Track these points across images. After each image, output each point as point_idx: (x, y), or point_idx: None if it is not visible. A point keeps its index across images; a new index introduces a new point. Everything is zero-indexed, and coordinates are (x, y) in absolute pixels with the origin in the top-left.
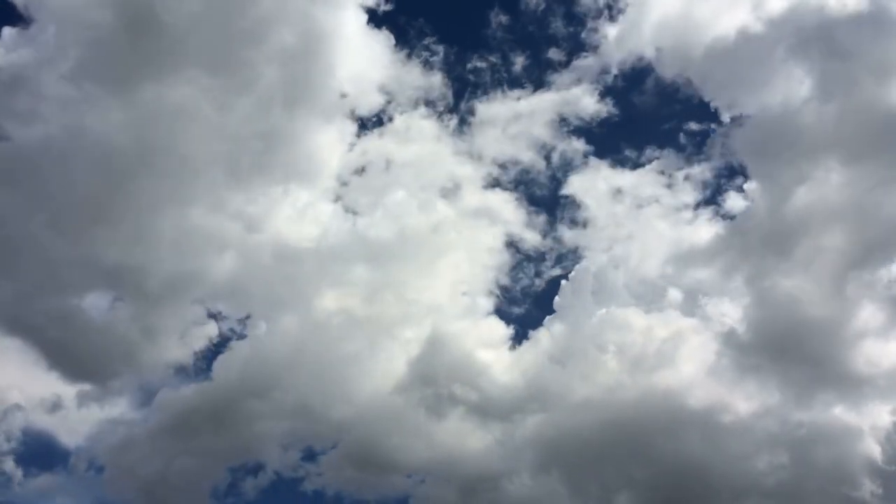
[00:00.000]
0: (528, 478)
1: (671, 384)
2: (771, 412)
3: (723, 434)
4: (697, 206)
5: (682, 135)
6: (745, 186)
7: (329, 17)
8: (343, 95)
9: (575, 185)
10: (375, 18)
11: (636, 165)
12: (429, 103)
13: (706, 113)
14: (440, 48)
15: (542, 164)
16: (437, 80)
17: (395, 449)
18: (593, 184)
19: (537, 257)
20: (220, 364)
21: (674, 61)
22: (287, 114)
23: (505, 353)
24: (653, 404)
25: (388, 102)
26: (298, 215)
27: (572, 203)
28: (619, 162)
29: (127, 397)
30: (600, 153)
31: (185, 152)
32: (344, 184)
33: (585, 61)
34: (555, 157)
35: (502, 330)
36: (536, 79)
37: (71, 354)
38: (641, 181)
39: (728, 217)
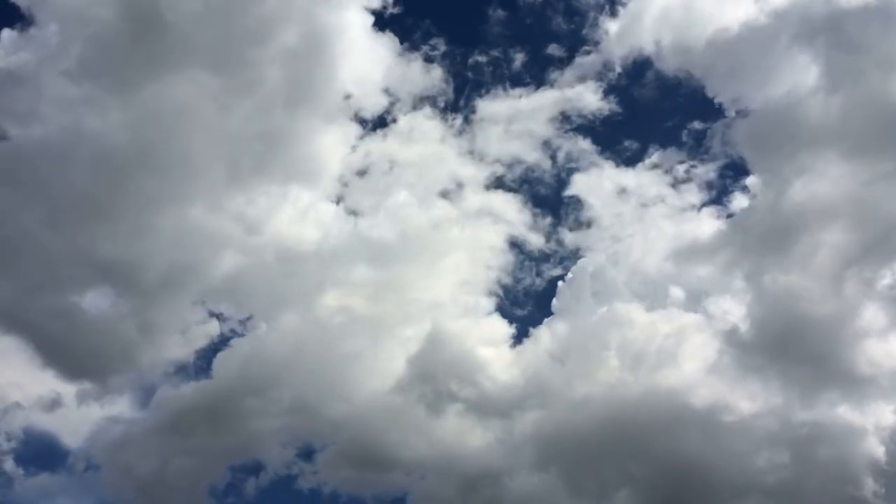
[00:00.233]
0: (528, 475)
1: (672, 382)
2: (772, 411)
3: (724, 432)
4: (700, 202)
5: (685, 131)
6: (748, 182)
7: (332, 17)
8: (346, 96)
9: (577, 184)
10: (379, 19)
11: (639, 163)
12: (431, 103)
13: (709, 108)
14: (443, 48)
15: (544, 163)
16: (439, 80)
17: (396, 446)
18: (596, 182)
19: (539, 256)
20: (219, 363)
21: (676, 55)
22: (290, 114)
23: (506, 351)
24: (654, 402)
25: (391, 102)
26: (300, 216)
27: (575, 201)
28: (622, 159)
29: (126, 396)
30: (603, 151)
31: (187, 152)
32: (346, 184)
33: (587, 58)
34: (558, 156)
35: (504, 328)
36: (538, 76)
37: (70, 353)
38: (644, 178)
39: (731, 214)
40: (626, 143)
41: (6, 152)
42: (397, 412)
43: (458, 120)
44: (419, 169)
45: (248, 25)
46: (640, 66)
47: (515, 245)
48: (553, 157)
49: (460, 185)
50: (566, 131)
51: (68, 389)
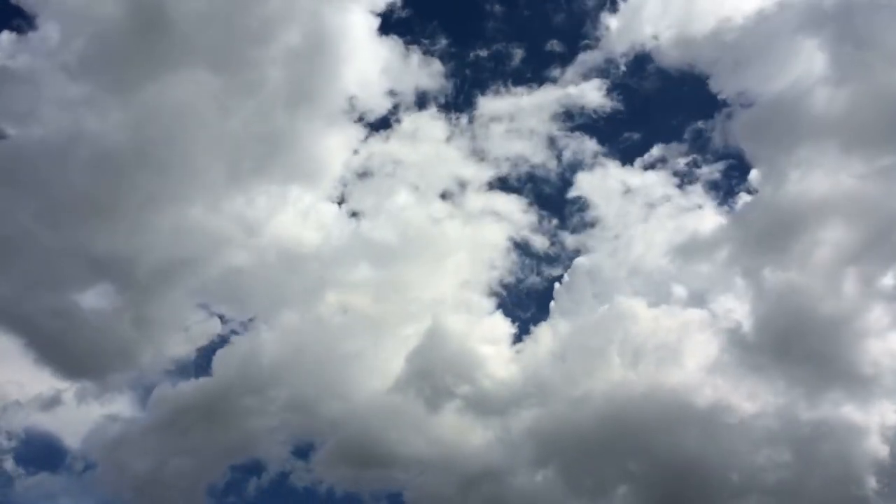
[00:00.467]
0: (527, 472)
1: (674, 380)
2: (774, 409)
3: (725, 431)
4: (704, 198)
5: (688, 127)
6: (751, 177)
7: (336, 17)
8: (348, 95)
9: (580, 182)
10: (382, 19)
11: (642, 160)
12: (433, 102)
13: (713, 103)
14: (445, 48)
15: (547, 162)
16: (442, 80)
17: (395, 444)
18: (598, 180)
19: (542, 255)
20: (219, 362)
21: (678, 49)
22: (292, 114)
23: (507, 349)
24: (655, 400)
25: (393, 102)
26: (302, 216)
27: (578, 199)
28: (625, 157)
29: (125, 395)
30: (606, 148)
31: (188, 151)
32: (348, 184)
33: (588, 55)
34: (560, 154)
35: (505, 327)
36: (540, 75)
37: (70, 352)
38: (646, 175)
39: (736, 210)
40: (629, 141)
41: (5, 151)
42: (397, 410)
43: (460, 119)
44: (421, 169)
45: (252, 25)
46: (642, 62)
47: (518, 244)
48: (556, 156)
49: (463, 185)
50: (569, 129)
51: (67, 388)
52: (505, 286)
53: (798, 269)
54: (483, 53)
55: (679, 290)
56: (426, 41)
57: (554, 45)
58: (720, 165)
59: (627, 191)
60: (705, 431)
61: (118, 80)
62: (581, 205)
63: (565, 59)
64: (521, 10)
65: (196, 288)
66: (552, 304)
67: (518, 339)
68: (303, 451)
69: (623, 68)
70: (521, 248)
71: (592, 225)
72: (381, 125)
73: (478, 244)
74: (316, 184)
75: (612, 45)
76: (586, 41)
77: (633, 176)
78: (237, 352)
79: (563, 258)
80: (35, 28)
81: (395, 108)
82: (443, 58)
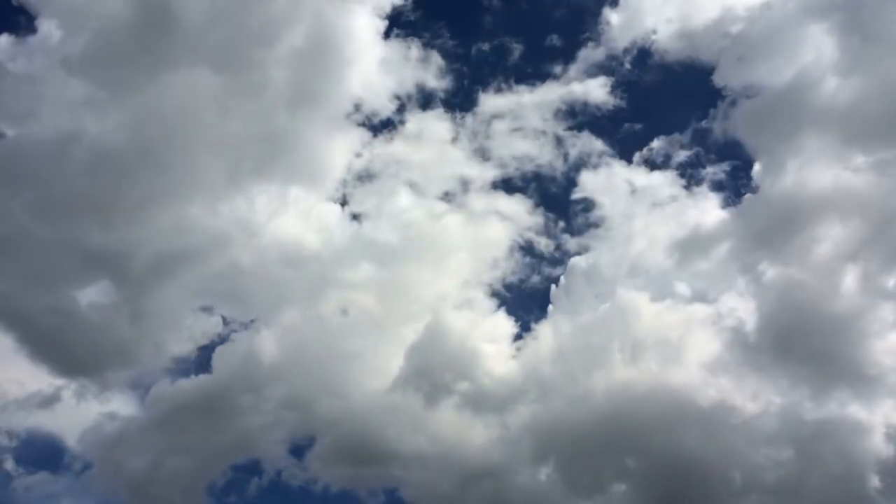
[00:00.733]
0: (527, 469)
1: (676, 377)
2: (777, 408)
3: (727, 429)
4: (708, 195)
5: (692, 121)
6: (756, 173)
7: (340, 18)
8: (352, 96)
9: (584, 180)
10: (386, 19)
11: (646, 157)
12: (436, 102)
13: (717, 96)
14: (448, 48)
15: (551, 160)
16: (445, 79)
17: (394, 441)
18: (602, 177)
19: (544, 253)
20: (219, 359)
21: (681, 43)
22: (295, 114)
23: (508, 347)
24: (657, 398)
25: (396, 102)
26: (304, 217)
27: (581, 197)
28: (630, 154)
29: (124, 393)
30: (608, 145)
31: (189, 151)
32: (350, 185)
33: (590, 51)
34: (564, 152)
35: (507, 325)
36: (543, 72)
37: (68, 349)
38: (651, 172)
39: (741, 205)
40: (631, 137)
41: (4, 150)
42: (396, 408)
43: (463, 118)
44: (423, 168)
45: (256, 25)
46: (644, 57)
47: (521, 242)
48: (559, 154)
49: (466, 184)
50: (573, 127)
51: (66, 386)
52: (507, 283)
53: (800, 265)
54: (486, 51)
55: (681, 287)
56: (431, 42)
57: (556, 41)
58: (725, 162)
59: (632, 189)
60: (708, 429)
61: (120, 79)
62: (586, 204)
63: (567, 56)
64: (522, 6)
65: (197, 287)
66: (552, 300)
67: (519, 337)
68: (303, 450)
69: (625, 64)
70: (525, 247)
71: (597, 225)
72: (385, 125)
73: (481, 244)
74: (319, 184)
75: (615, 40)
76: (588, 35)
77: (638, 174)
78: (237, 350)
79: (566, 257)
80: (36, 27)
81: (399, 108)
82: (447, 57)
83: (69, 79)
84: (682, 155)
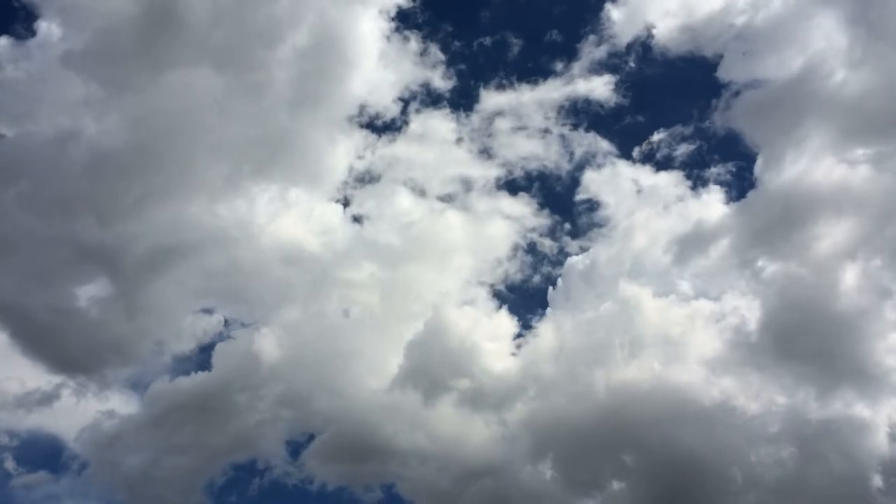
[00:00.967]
0: (527, 466)
1: (677, 375)
2: (779, 406)
3: (729, 426)
4: (711, 190)
5: (694, 116)
6: (759, 170)
7: (344, 18)
8: (355, 96)
9: (586, 177)
10: (390, 20)
11: (650, 155)
12: (439, 102)
13: (720, 91)
14: (451, 47)
15: (554, 158)
16: (448, 80)
17: (392, 437)
18: (604, 173)
19: (547, 251)
20: (220, 357)
21: (683, 37)
22: (298, 115)
23: (509, 344)
24: (659, 397)
25: (397, 102)
26: (306, 217)
27: (583, 195)
28: (633, 152)
29: (123, 391)
30: (611, 143)
31: (191, 151)
32: (352, 185)
33: (592, 48)
34: (566, 150)
35: (509, 323)
36: (546, 70)
37: (67, 347)
38: (654, 170)
39: (744, 201)
40: (635, 135)
41: (3, 149)
42: (396, 405)
43: (466, 117)
44: (425, 168)
45: (260, 25)
46: (646, 53)
47: (524, 241)
48: (562, 152)
49: (468, 183)
50: (575, 125)
51: (65, 384)
52: (509, 282)
53: (802, 262)
54: (489, 49)
55: (683, 284)
56: (434, 41)
57: (558, 37)
58: (729, 160)
59: (638, 189)
60: (708, 427)
61: (121, 77)
62: (590, 204)
63: (570, 52)
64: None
65: (198, 286)
66: (554, 297)
67: (520, 335)
68: (301, 448)
69: (628, 60)
70: (528, 246)
71: (594, 218)
72: (388, 125)
73: (484, 243)
74: (321, 184)
75: (616, 35)
76: (590, 31)
77: (642, 173)
78: (238, 347)
79: (569, 256)
80: (37, 26)
81: (402, 107)
82: (451, 57)
83: (70, 76)
84: (686, 151)
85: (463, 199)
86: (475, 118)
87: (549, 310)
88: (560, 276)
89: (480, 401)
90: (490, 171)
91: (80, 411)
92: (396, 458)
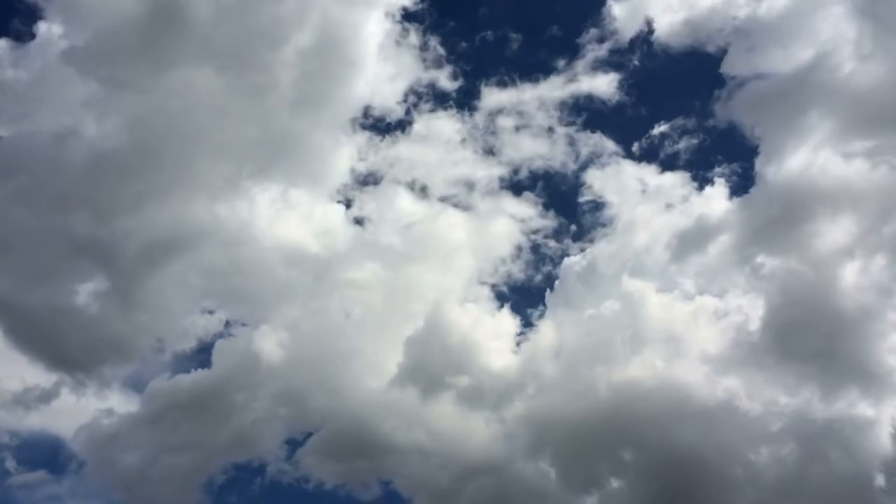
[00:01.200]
0: (526, 464)
1: (679, 372)
2: (781, 405)
3: (731, 425)
4: (714, 187)
5: (696, 112)
6: (758, 161)
7: (349, 19)
8: (357, 96)
9: (591, 176)
10: (393, 20)
11: (648, 149)
12: (445, 102)
13: (723, 86)
14: (453, 47)
15: (557, 156)
16: (453, 80)
17: (392, 435)
18: (608, 172)
19: (550, 249)
20: (220, 355)
21: (685, 32)
22: (301, 115)
23: (510, 341)
24: (660, 394)
25: (402, 102)
26: (307, 218)
27: (586, 193)
28: (631, 147)
29: (122, 389)
30: (613, 141)
31: (193, 150)
32: (353, 185)
33: (594, 45)
34: (571, 149)
35: (510, 322)
36: (548, 67)
37: (65, 345)
38: (658, 168)
39: (747, 197)
40: (637, 132)
41: (2, 148)
42: (396, 404)
43: (469, 116)
44: (428, 168)
45: (262, 26)
46: (649, 49)
47: (526, 240)
48: (566, 151)
49: (471, 184)
50: (578, 123)
51: (64, 382)
52: (510, 281)
53: (804, 261)
54: (490, 46)
55: (685, 281)
56: (437, 41)
57: (559, 34)
58: (732, 153)
59: (642, 187)
60: (708, 425)
61: (123, 77)
62: (590, 197)
63: (572, 49)
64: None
65: (199, 285)
66: (554, 295)
67: (521, 333)
68: (299, 446)
69: (630, 56)
70: (530, 244)
71: (597, 216)
72: (392, 126)
73: (487, 243)
74: (322, 185)
75: (618, 31)
76: (591, 27)
77: (646, 171)
78: (238, 345)
79: (572, 253)
80: (38, 25)
81: (405, 107)
82: (455, 56)
83: (70, 75)
84: (689, 147)
85: (466, 198)
86: (477, 116)
87: (550, 307)
88: (562, 273)
89: (480, 398)
90: (493, 171)
91: (78, 409)
92: (395, 456)
